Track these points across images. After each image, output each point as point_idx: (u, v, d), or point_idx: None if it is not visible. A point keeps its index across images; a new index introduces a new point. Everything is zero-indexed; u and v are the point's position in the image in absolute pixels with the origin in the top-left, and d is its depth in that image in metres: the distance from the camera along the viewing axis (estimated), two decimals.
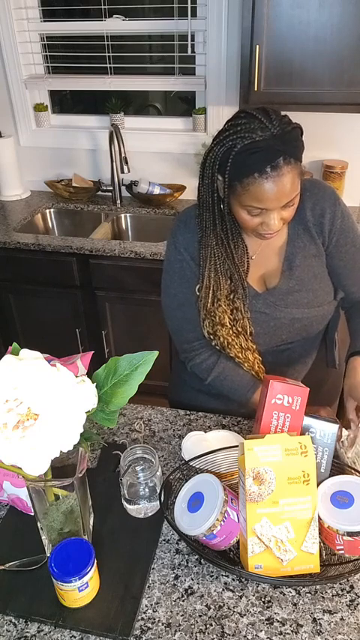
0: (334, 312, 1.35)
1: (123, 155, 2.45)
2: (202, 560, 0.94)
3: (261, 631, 0.83)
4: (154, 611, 0.86)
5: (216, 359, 1.26)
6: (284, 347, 1.32)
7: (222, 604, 0.87)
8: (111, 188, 2.59)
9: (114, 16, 2.40)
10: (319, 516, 0.89)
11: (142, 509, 1.02)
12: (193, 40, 2.33)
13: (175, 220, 1.26)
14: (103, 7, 2.36)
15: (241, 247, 1.19)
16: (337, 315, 1.38)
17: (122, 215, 2.59)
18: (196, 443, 1.13)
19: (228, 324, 1.22)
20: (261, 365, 1.28)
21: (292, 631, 0.83)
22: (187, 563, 0.94)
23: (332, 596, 0.88)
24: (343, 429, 1.13)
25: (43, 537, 0.93)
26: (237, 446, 1.06)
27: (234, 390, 1.26)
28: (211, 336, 1.24)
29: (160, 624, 0.84)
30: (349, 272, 1.27)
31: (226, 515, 0.88)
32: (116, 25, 2.41)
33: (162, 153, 2.55)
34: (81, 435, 0.75)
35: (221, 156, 1.04)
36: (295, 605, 0.87)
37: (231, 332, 1.23)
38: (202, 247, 1.19)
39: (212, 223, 1.15)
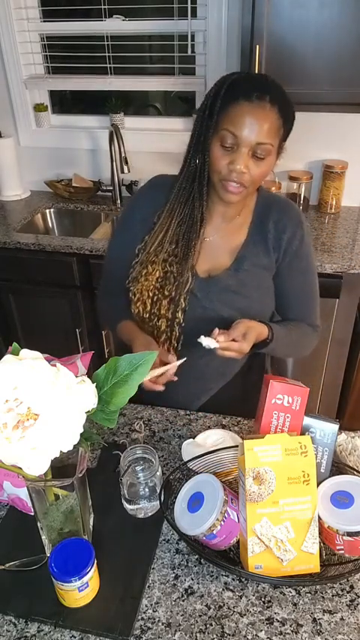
0: None
1: (123, 155, 2.45)
2: (202, 560, 0.94)
3: (261, 631, 0.83)
4: (154, 611, 0.86)
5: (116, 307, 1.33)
6: None
7: (222, 604, 0.87)
8: (111, 188, 2.59)
9: (114, 16, 2.39)
10: (319, 516, 0.89)
11: (142, 509, 1.02)
12: (193, 40, 2.32)
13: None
14: (103, 7, 2.35)
15: (199, 220, 1.22)
16: None
17: None
18: (195, 448, 1.12)
19: (152, 279, 1.24)
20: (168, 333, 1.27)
21: (292, 631, 0.83)
22: (187, 563, 0.94)
23: (332, 596, 0.88)
24: (343, 434, 1.13)
25: (43, 537, 0.93)
26: (237, 446, 1.06)
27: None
28: (133, 282, 1.26)
29: (160, 624, 0.84)
30: (292, 297, 1.30)
31: (226, 515, 0.88)
32: (116, 25, 2.40)
33: (162, 153, 2.55)
34: (81, 435, 0.75)
35: (220, 82, 1.13)
36: (295, 605, 0.87)
37: (152, 287, 1.24)
38: (167, 204, 1.23)
39: (189, 179, 1.20)
